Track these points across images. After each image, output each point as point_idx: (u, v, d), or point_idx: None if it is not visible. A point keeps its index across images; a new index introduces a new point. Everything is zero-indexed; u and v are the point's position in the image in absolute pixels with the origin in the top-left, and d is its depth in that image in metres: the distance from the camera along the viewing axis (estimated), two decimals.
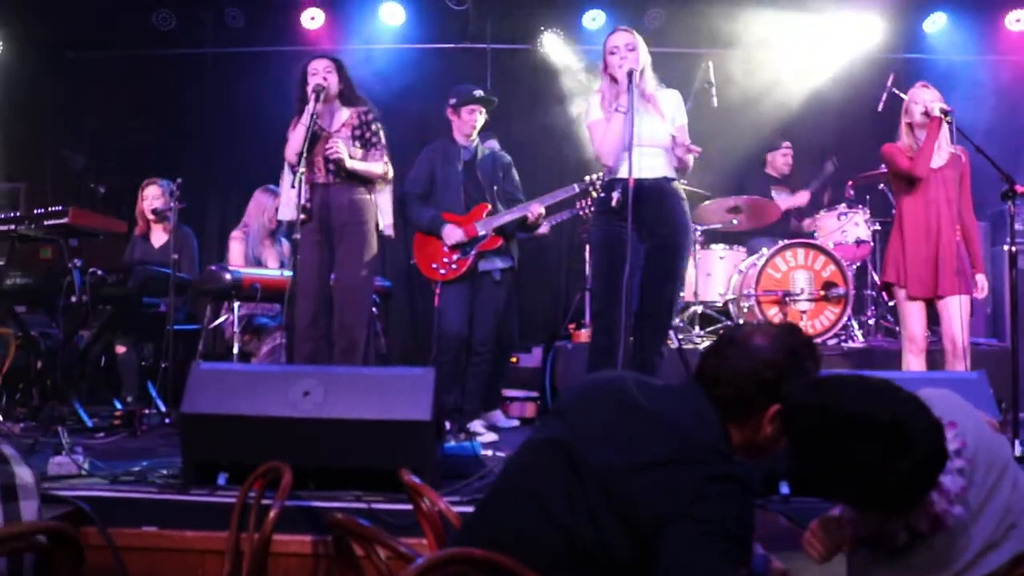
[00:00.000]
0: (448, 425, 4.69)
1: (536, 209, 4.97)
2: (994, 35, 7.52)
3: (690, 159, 4.21)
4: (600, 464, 1.69)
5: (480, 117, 4.97)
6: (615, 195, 4.02)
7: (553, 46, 7.15)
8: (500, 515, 1.80)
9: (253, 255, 5.55)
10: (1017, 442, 3.95)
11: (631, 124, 3.95)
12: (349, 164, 4.47)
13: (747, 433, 1.81)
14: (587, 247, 6.27)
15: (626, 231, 3.87)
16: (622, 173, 4.03)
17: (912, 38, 7.51)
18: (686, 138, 4.23)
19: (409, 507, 2.36)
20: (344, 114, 4.60)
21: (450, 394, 4.81)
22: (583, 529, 1.66)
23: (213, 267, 4.94)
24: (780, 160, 6.67)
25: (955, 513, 1.74)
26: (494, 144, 5.86)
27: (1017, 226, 6.27)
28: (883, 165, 4.96)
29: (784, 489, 3.10)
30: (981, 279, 4.55)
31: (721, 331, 5.32)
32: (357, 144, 4.55)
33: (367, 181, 4.59)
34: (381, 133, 4.64)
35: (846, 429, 1.68)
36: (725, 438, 1.79)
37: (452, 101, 4.97)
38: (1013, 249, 4.27)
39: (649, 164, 4.07)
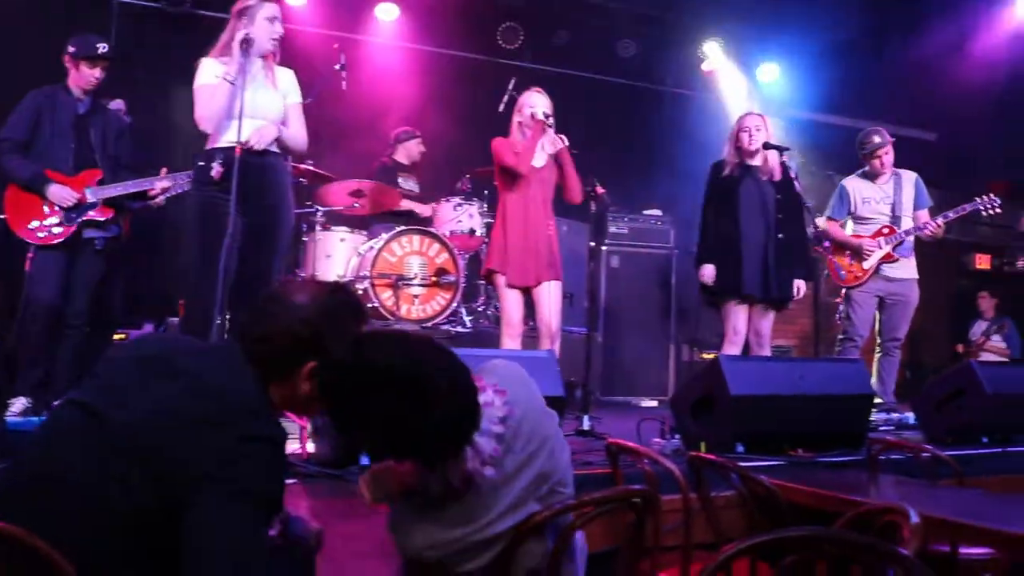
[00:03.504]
0: (31, 401, 4.33)
1: (159, 187, 4.71)
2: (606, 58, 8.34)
3: (302, 141, 4.21)
4: (127, 424, 1.62)
5: (101, 74, 4.61)
6: (215, 165, 3.90)
7: None
8: (19, 483, 1.68)
9: None
10: (586, 418, 4.38)
11: (241, 95, 3.87)
12: None
13: (286, 391, 1.82)
14: None
15: (226, 203, 3.76)
16: (222, 143, 3.93)
17: (540, 48, 8.07)
18: (300, 118, 4.21)
19: None
20: None
21: (36, 367, 4.43)
22: (109, 491, 1.58)
23: None
24: (414, 149, 6.83)
25: (486, 474, 1.85)
26: (119, 105, 5.47)
27: (612, 229, 6.98)
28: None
29: (364, 460, 3.18)
30: None
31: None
32: None
33: None
34: None
35: (371, 383, 1.75)
36: (263, 397, 1.78)
37: (71, 50, 4.55)
38: (593, 244, 4.73)
39: (256, 137, 3.99)
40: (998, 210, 5.71)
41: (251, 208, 3.94)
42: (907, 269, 5.70)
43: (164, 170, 4.73)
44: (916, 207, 5.71)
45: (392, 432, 1.78)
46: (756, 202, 5.13)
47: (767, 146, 5.09)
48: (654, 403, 6.76)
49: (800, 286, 5.15)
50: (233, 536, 1.57)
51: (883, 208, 5.71)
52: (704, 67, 8.76)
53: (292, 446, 3.44)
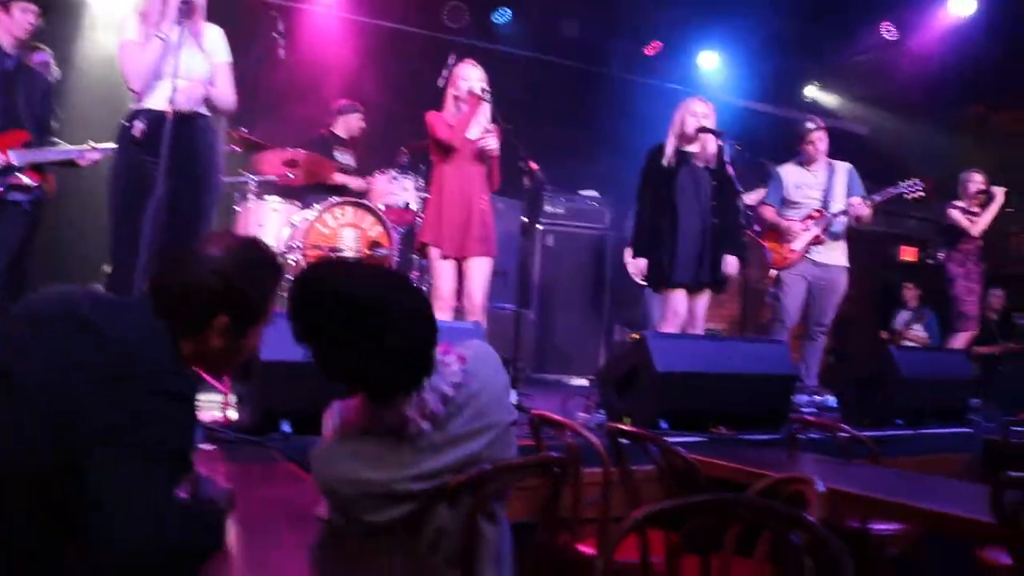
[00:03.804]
0: None
1: (88, 158, 4.59)
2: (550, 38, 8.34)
3: (230, 100, 4.12)
4: (33, 380, 1.58)
5: (35, 20, 4.45)
6: (138, 124, 3.80)
7: None
8: None
9: None
10: (514, 392, 4.39)
11: (177, 56, 3.77)
12: None
13: (197, 346, 1.79)
14: None
15: (150, 164, 3.68)
16: (150, 103, 3.85)
17: (480, 25, 8.03)
18: (228, 77, 4.12)
19: None
20: None
21: None
22: (13, 448, 1.55)
23: None
24: (354, 123, 6.73)
25: (422, 426, 1.85)
26: (45, 57, 5.29)
27: (548, 208, 7.00)
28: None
29: (285, 427, 3.15)
30: None
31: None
32: None
33: None
34: None
35: (334, 300, 1.78)
36: (173, 351, 1.74)
37: None
38: (525, 220, 4.72)
39: (184, 97, 3.91)
40: (921, 193, 5.87)
41: (178, 172, 3.85)
42: (836, 256, 5.82)
43: (91, 143, 4.62)
44: (849, 196, 5.83)
45: (343, 353, 1.80)
46: (693, 190, 5.17)
47: (703, 130, 5.13)
48: (585, 382, 6.80)
49: (731, 262, 5.20)
50: (139, 493, 1.54)
51: (815, 194, 5.84)
52: (647, 51, 8.80)
53: (213, 413, 3.40)
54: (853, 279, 5.91)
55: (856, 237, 6.00)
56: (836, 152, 6.04)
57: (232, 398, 3.41)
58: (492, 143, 4.77)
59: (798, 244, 5.76)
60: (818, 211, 5.79)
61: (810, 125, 5.89)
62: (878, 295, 9.79)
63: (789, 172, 5.95)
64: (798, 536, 1.63)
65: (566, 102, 8.41)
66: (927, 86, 8.75)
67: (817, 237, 5.74)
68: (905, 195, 5.87)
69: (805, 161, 5.92)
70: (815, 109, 8.96)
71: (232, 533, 1.88)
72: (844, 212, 5.74)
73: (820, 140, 5.86)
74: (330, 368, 1.86)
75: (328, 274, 1.87)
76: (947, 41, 8.34)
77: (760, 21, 8.03)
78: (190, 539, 1.59)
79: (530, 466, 2.06)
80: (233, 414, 3.39)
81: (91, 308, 1.73)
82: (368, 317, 1.79)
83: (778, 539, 1.74)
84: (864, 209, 5.72)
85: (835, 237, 5.79)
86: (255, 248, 1.89)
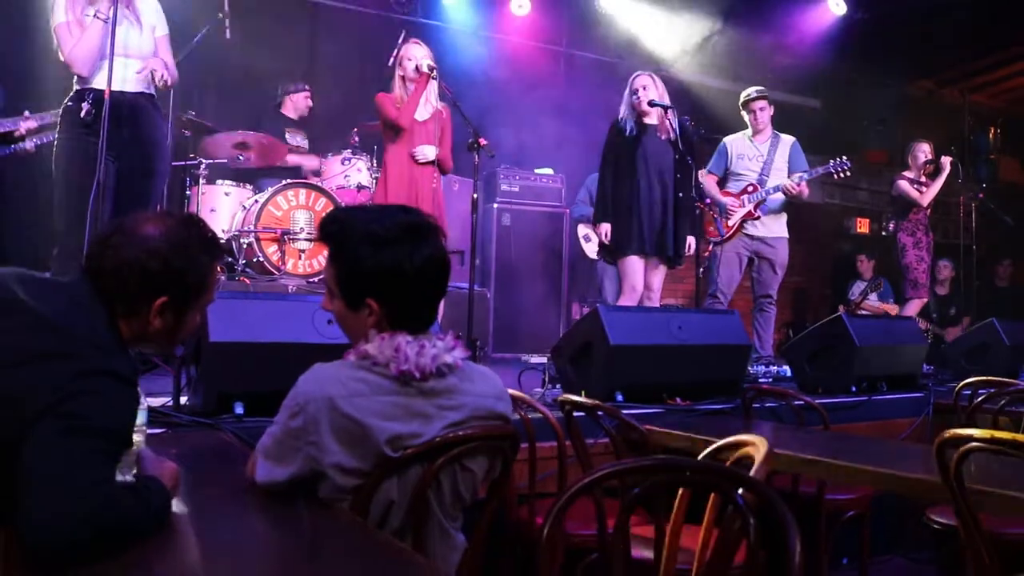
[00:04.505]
0: None
1: (23, 127, 4.49)
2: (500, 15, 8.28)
3: (175, 74, 4.06)
4: None
5: None
6: (85, 106, 3.73)
7: None
8: None
9: None
10: None
11: (112, 34, 3.71)
12: None
13: (136, 326, 1.77)
14: None
15: (96, 147, 3.61)
16: (96, 83, 3.77)
17: (429, 4, 7.96)
18: (168, 51, 4.06)
19: None
20: None
21: None
22: None
23: None
24: (302, 103, 6.67)
25: (412, 371, 1.86)
26: None
27: (503, 186, 6.98)
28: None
29: (238, 409, 3.12)
30: None
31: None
32: None
33: None
34: None
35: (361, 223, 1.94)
36: (110, 332, 1.72)
37: None
38: (475, 196, 4.70)
39: (129, 77, 3.84)
40: (848, 173, 5.94)
41: (125, 154, 3.80)
42: (774, 228, 5.85)
43: (26, 113, 4.53)
44: (791, 170, 5.87)
45: (368, 268, 1.89)
46: (654, 161, 5.18)
47: (652, 104, 5.14)
48: (545, 359, 6.79)
49: (691, 242, 5.25)
50: (71, 471, 1.51)
51: (754, 166, 5.87)
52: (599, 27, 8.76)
53: (163, 398, 3.36)
54: (809, 253, 5.96)
55: (810, 210, 6.05)
56: (784, 124, 6.07)
57: (183, 380, 3.36)
58: (425, 155, 4.75)
59: (732, 220, 5.80)
60: (753, 185, 5.82)
61: (752, 92, 5.92)
62: (834, 267, 9.91)
63: (734, 143, 5.97)
64: (743, 496, 1.64)
65: (517, 80, 8.35)
66: (876, 57, 8.82)
67: (750, 212, 5.77)
68: (833, 173, 5.93)
69: (750, 131, 5.95)
70: (765, 81, 8.99)
71: (179, 513, 1.85)
72: (777, 188, 5.77)
73: (762, 109, 5.89)
74: (354, 278, 1.94)
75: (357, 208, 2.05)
76: (897, 17, 8.40)
77: None
78: (126, 518, 1.55)
79: (479, 438, 2.05)
80: (183, 397, 3.34)
81: (22, 288, 1.69)
82: (395, 238, 1.88)
83: (724, 501, 1.75)
84: (797, 187, 5.74)
85: (770, 211, 5.82)
86: (192, 226, 1.86)
